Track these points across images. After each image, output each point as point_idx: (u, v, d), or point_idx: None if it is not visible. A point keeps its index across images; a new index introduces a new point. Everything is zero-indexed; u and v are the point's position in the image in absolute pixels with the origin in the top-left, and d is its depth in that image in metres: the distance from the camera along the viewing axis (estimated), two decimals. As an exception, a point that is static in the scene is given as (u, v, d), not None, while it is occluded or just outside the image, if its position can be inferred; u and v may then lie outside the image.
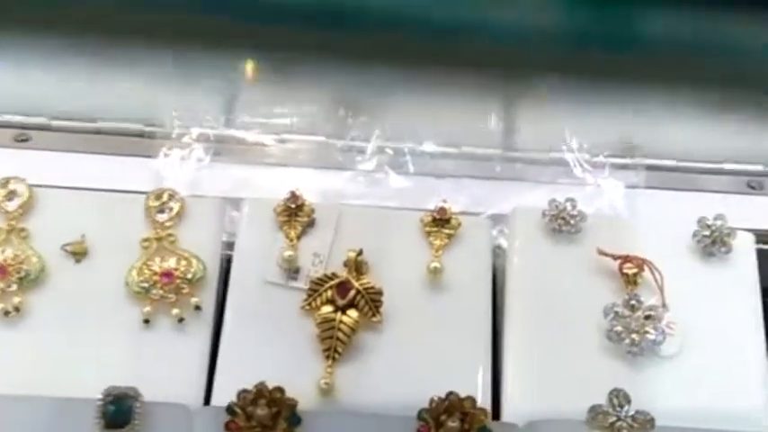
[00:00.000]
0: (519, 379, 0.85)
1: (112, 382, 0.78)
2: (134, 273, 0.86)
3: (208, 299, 0.87)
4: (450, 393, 0.77)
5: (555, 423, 0.80)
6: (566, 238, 0.91)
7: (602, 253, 0.89)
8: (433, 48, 1.14)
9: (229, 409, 0.76)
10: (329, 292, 0.86)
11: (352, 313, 0.85)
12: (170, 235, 0.89)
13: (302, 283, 0.88)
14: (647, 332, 0.85)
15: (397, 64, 1.12)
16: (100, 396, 0.77)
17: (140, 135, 1.05)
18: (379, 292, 0.86)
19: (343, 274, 0.87)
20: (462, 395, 0.77)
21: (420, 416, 0.77)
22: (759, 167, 1.07)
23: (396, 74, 1.12)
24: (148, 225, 0.90)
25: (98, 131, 1.05)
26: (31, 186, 0.91)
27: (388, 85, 1.11)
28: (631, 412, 0.77)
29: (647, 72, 1.13)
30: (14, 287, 0.85)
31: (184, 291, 0.86)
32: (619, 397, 0.78)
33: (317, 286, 0.87)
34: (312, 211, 0.91)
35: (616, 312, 0.86)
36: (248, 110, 1.08)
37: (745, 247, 0.92)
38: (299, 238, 0.90)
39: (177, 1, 1.16)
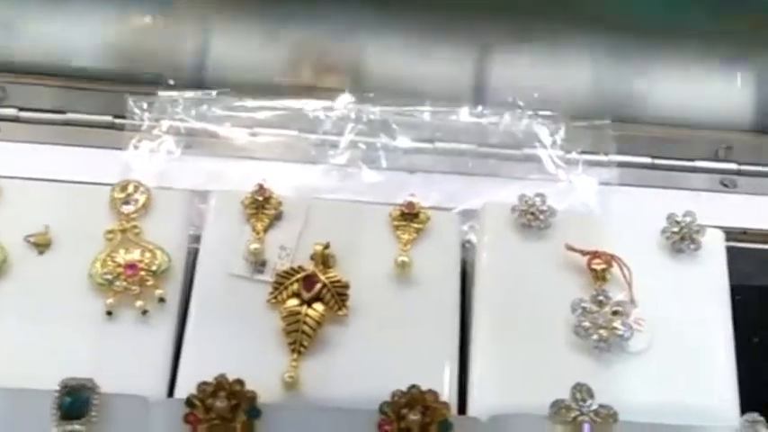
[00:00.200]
0: (486, 374, 0.84)
1: (75, 375, 0.77)
2: (98, 264, 0.86)
3: (173, 291, 0.86)
4: (413, 387, 0.76)
5: (517, 417, 0.79)
6: (535, 233, 0.91)
7: (570, 248, 0.89)
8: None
9: (188, 402, 0.76)
10: (295, 286, 0.86)
11: (318, 307, 0.85)
12: (135, 227, 0.88)
13: (268, 277, 0.87)
14: (614, 328, 0.85)
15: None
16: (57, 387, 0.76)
17: (110, 127, 1.04)
18: (346, 286, 0.86)
19: (309, 267, 0.86)
20: (426, 389, 0.76)
21: (381, 409, 0.76)
22: (732, 166, 1.08)
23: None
24: (113, 217, 0.89)
25: (67, 123, 1.04)
26: (-5, 178, 0.90)
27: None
28: (594, 407, 0.77)
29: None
30: (-24, 278, 0.85)
31: (149, 283, 0.85)
32: (582, 391, 0.77)
33: (282, 279, 0.86)
34: (279, 203, 0.91)
35: (584, 308, 0.85)
36: (221, 102, 1.07)
37: (714, 244, 0.91)
38: (266, 231, 0.90)
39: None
